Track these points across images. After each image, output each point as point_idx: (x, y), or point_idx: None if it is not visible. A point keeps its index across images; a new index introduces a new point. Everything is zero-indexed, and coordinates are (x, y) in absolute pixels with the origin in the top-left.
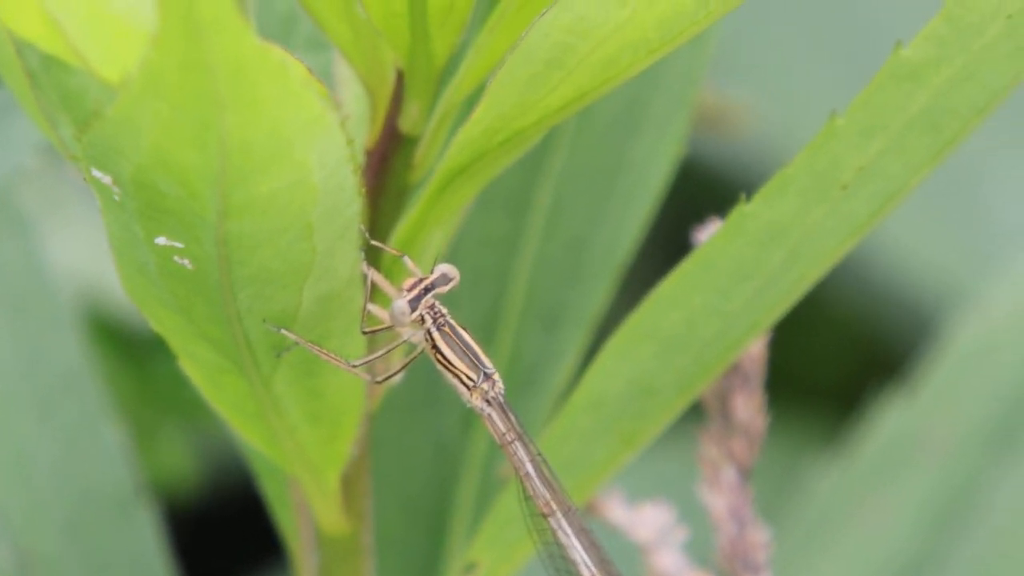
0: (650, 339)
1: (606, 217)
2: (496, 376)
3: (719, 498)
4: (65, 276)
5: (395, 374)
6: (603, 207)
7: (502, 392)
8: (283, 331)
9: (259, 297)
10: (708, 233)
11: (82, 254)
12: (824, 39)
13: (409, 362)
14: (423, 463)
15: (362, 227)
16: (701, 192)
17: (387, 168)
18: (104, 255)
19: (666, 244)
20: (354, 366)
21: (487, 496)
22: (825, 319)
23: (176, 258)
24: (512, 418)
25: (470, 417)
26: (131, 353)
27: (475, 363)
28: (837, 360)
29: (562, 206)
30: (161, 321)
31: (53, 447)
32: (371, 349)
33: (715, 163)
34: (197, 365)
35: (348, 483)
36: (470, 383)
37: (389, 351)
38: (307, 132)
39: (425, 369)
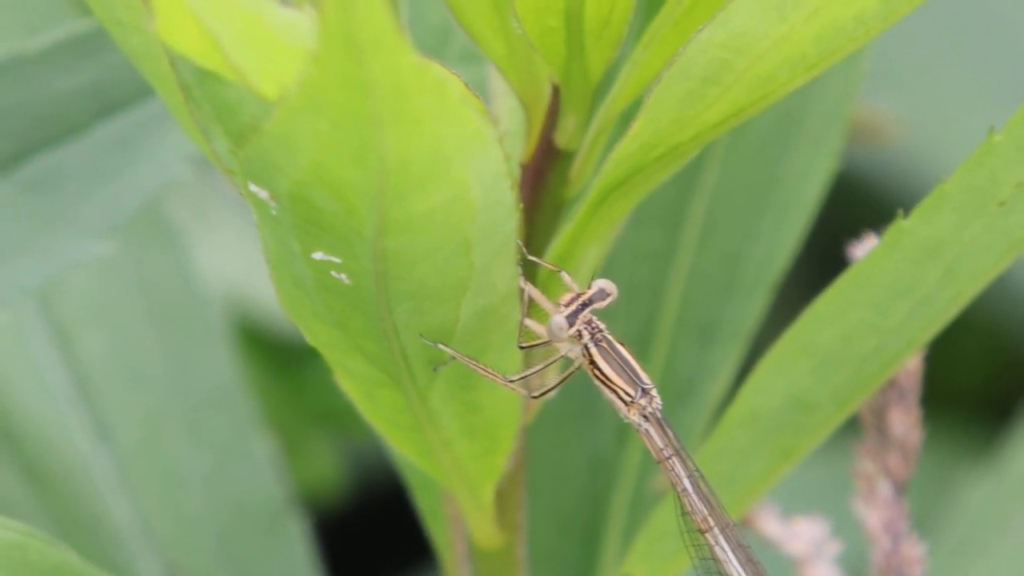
0: (807, 354)
1: (760, 232)
2: (654, 392)
3: (874, 512)
4: (214, 287)
5: (551, 390)
6: (757, 222)
7: (660, 408)
8: (440, 346)
9: (416, 312)
10: (865, 249)
11: (230, 263)
12: (973, 49)
13: (566, 378)
14: (577, 476)
15: (519, 242)
16: (852, 205)
17: (543, 183)
18: (253, 264)
19: (819, 259)
20: (511, 381)
21: (640, 510)
22: (971, 326)
23: (333, 273)
24: (670, 434)
25: (625, 430)
26: (279, 362)
27: (633, 378)
28: (983, 368)
29: (716, 220)
30: (317, 335)
31: (204, 461)
32: (527, 364)
33: (865, 176)
34: (353, 379)
35: (502, 496)
36: (628, 399)
37: (546, 366)
38: (465, 148)
39: (580, 381)
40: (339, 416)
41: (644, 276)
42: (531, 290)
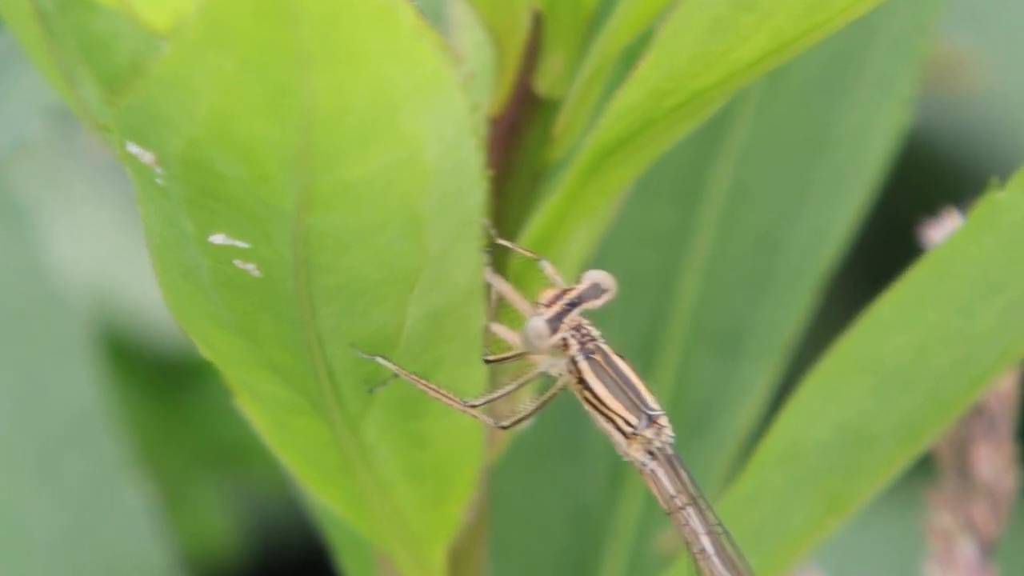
0: (866, 371)
1: (804, 209)
2: (663, 420)
3: None
4: (72, 283)
5: (525, 418)
6: (800, 196)
7: (671, 441)
8: (379, 359)
9: (348, 314)
10: (945, 231)
11: (95, 251)
12: None
13: (546, 401)
14: (558, 532)
15: (486, 221)
16: (926, 173)
17: (518, 142)
18: (126, 253)
19: (883, 245)
20: (471, 406)
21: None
22: None
23: (238, 262)
24: (684, 476)
25: (621, 470)
26: (158, 384)
27: (635, 403)
28: None
29: (745, 195)
30: (213, 345)
31: (58, 514)
32: (494, 384)
33: (944, 134)
34: (260, 403)
35: (458, 559)
36: (629, 429)
37: (519, 387)
38: (418, 96)
39: (563, 408)
40: (238, 454)
41: (651, 267)
42: (501, 285)
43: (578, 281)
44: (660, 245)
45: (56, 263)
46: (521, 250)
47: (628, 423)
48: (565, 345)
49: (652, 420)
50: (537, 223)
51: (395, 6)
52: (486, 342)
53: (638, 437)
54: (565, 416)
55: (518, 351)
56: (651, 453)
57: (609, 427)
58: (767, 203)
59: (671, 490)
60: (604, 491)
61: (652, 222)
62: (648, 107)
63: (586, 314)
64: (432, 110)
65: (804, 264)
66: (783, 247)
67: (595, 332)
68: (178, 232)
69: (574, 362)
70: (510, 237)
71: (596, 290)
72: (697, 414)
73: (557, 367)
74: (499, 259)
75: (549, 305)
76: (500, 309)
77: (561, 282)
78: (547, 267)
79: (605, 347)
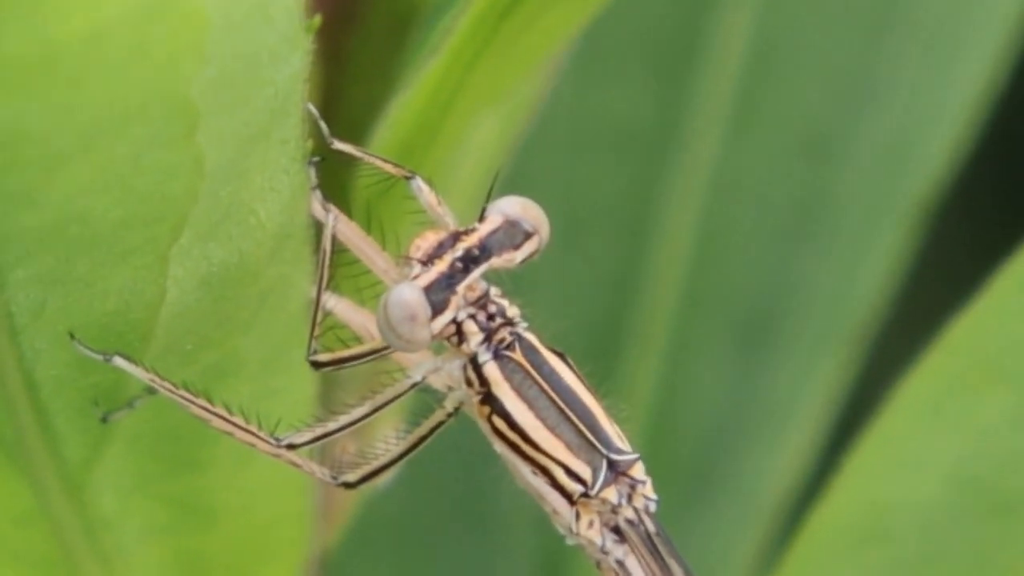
0: (1001, 381)
1: (874, 95)
2: (636, 470)
3: None
4: None
5: (385, 467)
6: (868, 69)
7: (650, 505)
8: (118, 361)
9: (60, 281)
10: None
11: None
12: None
13: (421, 440)
14: None
15: (312, 110)
16: None
17: None
18: None
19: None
20: (288, 445)
21: None
22: None
23: None
24: (676, 570)
25: (561, 559)
26: None
27: (588, 440)
28: None
29: (770, 61)
30: None
31: None
32: (330, 407)
33: None
34: None
35: None
36: (576, 488)
37: (375, 411)
38: None
39: (459, 451)
40: None
41: (612, 194)
42: (342, 227)
43: (480, 218)
44: (631, 155)
45: None
46: (377, 160)
47: (571, 474)
48: (459, 334)
49: (613, 468)
50: (404, 110)
51: None
52: (314, 330)
53: (592, 502)
54: (462, 466)
55: (373, 347)
56: (615, 529)
57: (538, 483)
58: (803, 84)
59: None
60: None
61: (616, 112)
62: None
63: (495, 279)
64: None
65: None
66: (837, 157)
67: (512, 311)
68: None
69: (476, 366)
70: (358, 134)
71: (512, 233)
72: (701, 447)
73: (445, 374)
74: (336, 179)
75: (428, 261)
76: (340, 270)
77: (450, 219)
78: (423, 190)
79: (530, 338)
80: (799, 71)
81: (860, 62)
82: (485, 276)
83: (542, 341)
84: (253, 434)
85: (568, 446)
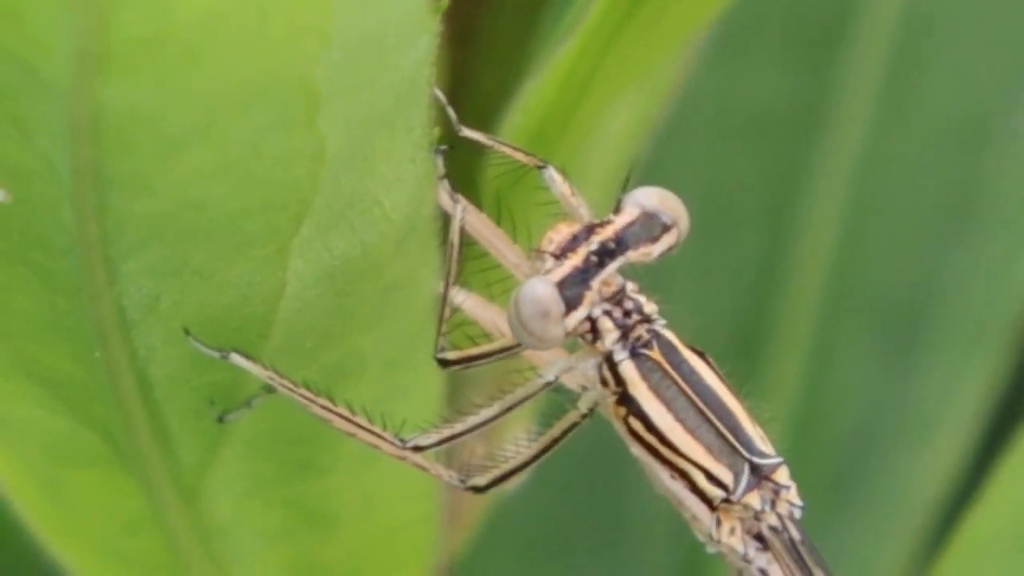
0: None
1: None
2: (779, 473)
3: None
4: None
5: (516, 471)
6: None
7: (795, 511)
8: (235, 358)
9: (175, 273)
10: None
11: None
12: None
13: (554, 442)
14: None
15: (438, 92)
16: None
17: None
18: None
19: None
20: (415, 448)
21: None
22: None
23: None
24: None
25: (697, 566)
26: None
27: (730, 444)
28: None
29: (924, 36)
30: None
31: None
32: (459, 407)
33: None
34: (12, 445)
35: None
36: (718, 493)
37: (505, 412)
38: None
39: (591, 453)
40: None
41: (754, 184)
42: (472, 219)
43: (615, 210)
44: (770, 139)
45: None
46: (508, 148)
47: (712, 479)
48: (593, 331)
49: (761, 475)
50: (536, 95)
51: None
52: (441, 327)
53: (733, 507)
54: (596, 470)
55: (503, 344)
56: (758, 537)
57: (677, 487)
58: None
59: None
60: None
61: (756, 96)
62: None
63: (631, 273)
64: None
65: None
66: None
67: (649, 307)
68: None
69: (611, 364)
70: (486, 126)
71: (649, 226)
72: (847, 451)
73: (578, 374)
74: (464, 168)
75: (562, 255)
76: (468, 264)
77: (584, 211)
78: (555, 180)
79: (668, 336)
80: (955, 47)
81: (1022, 36)
82: (621, 271)
83: (681, 339)
84: (377, 435)
85: (708, 449)
